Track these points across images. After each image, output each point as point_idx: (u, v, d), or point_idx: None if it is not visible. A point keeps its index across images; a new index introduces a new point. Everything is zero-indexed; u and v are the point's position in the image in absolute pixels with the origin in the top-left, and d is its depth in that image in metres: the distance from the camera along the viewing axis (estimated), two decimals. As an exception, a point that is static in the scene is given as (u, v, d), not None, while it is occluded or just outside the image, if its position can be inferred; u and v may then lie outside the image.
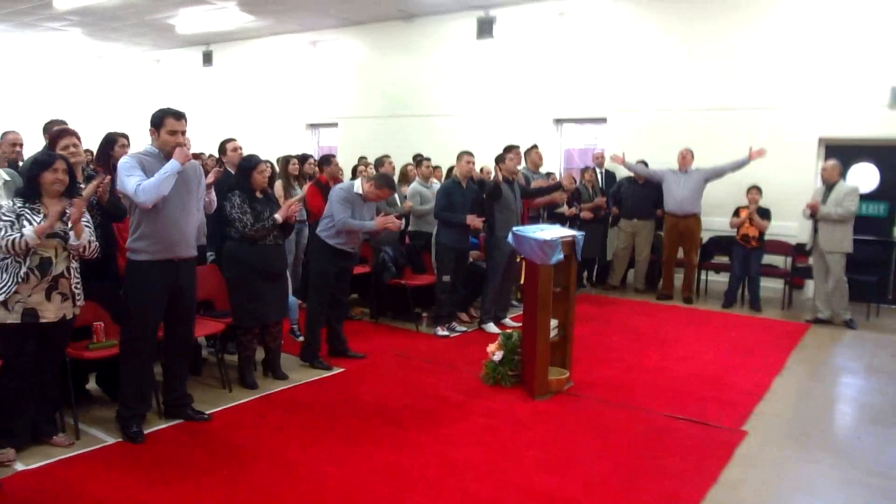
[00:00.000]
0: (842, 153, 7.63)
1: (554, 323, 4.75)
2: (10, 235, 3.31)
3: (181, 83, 14.84)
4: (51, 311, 3.48)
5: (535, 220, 7.24)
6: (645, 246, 8.40)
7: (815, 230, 6.88)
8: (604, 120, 9.64)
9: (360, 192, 5.15)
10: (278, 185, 6.41)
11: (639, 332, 6.53)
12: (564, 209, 7.67)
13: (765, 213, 7.54)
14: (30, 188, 3.51)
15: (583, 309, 6.73)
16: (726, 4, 8.53)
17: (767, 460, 3.76)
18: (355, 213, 5.11)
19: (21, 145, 5.12)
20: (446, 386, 4.86)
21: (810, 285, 7.66)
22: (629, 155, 8.47)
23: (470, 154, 6.37)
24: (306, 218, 6.33)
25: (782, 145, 8.02)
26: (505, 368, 4.83)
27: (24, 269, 3.38)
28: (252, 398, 4.55)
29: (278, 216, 4.63)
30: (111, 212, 4.09)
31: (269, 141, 12.05)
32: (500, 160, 6.43)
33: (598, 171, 8.95)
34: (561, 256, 4.58)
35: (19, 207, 3.44)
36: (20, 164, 4.78)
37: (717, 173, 7.80)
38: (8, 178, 4.07)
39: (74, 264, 3.61)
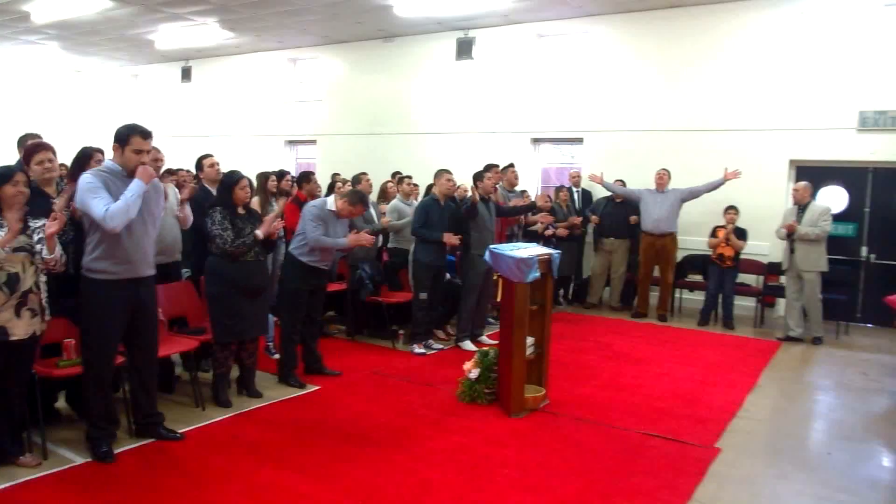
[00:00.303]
0: (812, 175, 7.80)
1: (530, 340, 4.77)
2: None
3: (159, 98, 14.76)
4: (20, 328, 3.42)
5: (510, 238, 7.29)
6: (621, 264, 8.49)
7: (792, 250, 7.00)
8: (580, 140, 9.76)
9: (334, 208, 5.16)
10: (255, 201, 6.37)
11: (614, 350, 6.58)
12: (538, 227, 7.73)
13: (741, 234, 7.68)
14: None
15: (559, 327, 6.76)
16: (700, 29, 8.72)
17: (741, 477, 3.80)
18: (329, 230, 5.11)
19: None
20: (422, 404, 4.85)
21: (782, 303, 7.79)
22: (606, 173, 8.58)
23: (449, 172, 6.41)
24: (283, 234, 6.31)
25: (754, 167, 8.17)
26: (481, 386, 4.84)
27: (-9, 286, 3.32)
28: (226, 416, 4.49)
29: (259, 232, 4.61)
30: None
31: (248, 157, 12.00)
32: (478, 178, 6.48)
33: (573, 190, 9.05)
34: (537, 274, 4.61)
35: None
36: None
37: (694, 194, 7.93)
38: None
39: (42, 278, 3.56)
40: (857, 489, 3.70)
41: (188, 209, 5.07)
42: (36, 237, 3.53)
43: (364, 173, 7.19)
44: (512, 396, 4.61)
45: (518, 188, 8.17)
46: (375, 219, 6.91)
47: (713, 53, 8.66)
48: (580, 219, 8.54)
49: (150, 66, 14.85)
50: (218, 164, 5.68)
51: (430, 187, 7.24)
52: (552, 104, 9.92)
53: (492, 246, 5.06)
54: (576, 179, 9.18)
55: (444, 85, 10.87)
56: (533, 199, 8.08)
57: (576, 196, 9.04)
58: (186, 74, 14.24)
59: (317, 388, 5.15)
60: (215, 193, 5.23)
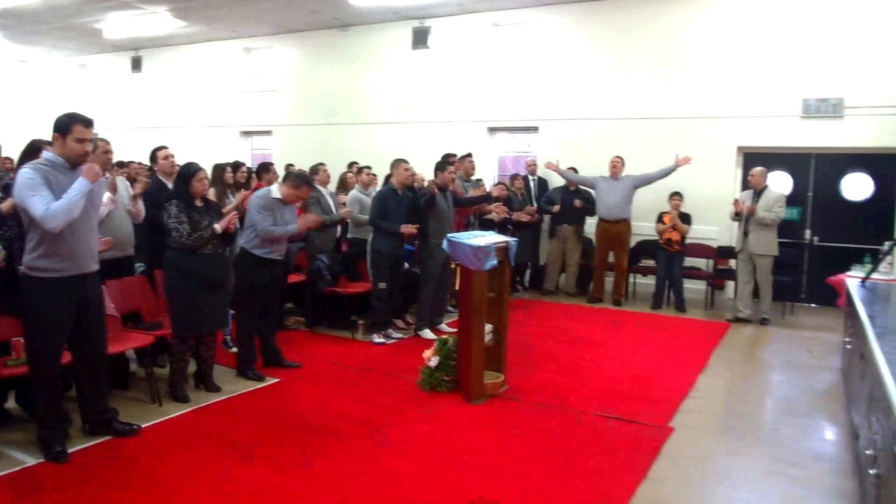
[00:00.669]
0: (758, 161, 8.04)
1: (488, 327, 4.84)
2: None
3: (109, 89, 14.36)
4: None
5: (467, 227, 7.33)
6: (575, 251, 8.63)
7: (745, 234, 7.21)
8: (536, 128, 9.86)
9: (279, 196, 5.12)
10: (211, 192, 6.27)
11: (571, 335, 6.70)
12: (494, 216, 7.78)
13: (686, 219, 7.88)
14: None
15: (517, 313, 6.86)
16: (652, 19, 8.88)
17: (693, 455, 3.93)
18: (277, 218, 5.07)
19: None
20: (383, 393, 4.88)
21: (731, 286, 8.03)
22: (560, 161, 8.70)
23: (406, 162, 6.42)
24: (240, 226, 6.23)
25: (704, 153, 8.39)
26: (441, 374, 4.88)
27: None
28: (183, 412, 4.44)
29: (218, 227, 4.56)
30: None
31: (202, 148, 11.80)
32: (439, 169, 6.49)
33: (530, 178, 9.14)
34: (495, 262, 4.67)
35: None
36: None
37: (646, 180, 8.10)
38: None
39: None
40: (803, 462, 3.87)
41: (140, 203, 4.99)
42: None
43: (322, 164, 7.13)
44: (471, 383, 4.67)
45: (474, 177, 8.22)
46: (333, 209, 6.87)
47: (664, 43, 8.83)
48: (536, 209, 8.63)
49: (98, 56, 14.44)
50: (173, 156, 5.58)
51: (388, 177, 7.23)
52: (508, 93, 9.98)
53: (449, 235, 5.09)
54: (532, 168, 9.27)
55: (400, 74, 10.84)
56: (488, 188, 8.15)
57: (532, 184, 9.13)
58: (137, 64, 13.89)
59: (276, 380, 5.13)
60: (170, 186, 5.14)
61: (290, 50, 11.99)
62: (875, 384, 2.86)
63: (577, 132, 9.41)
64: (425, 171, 7.54)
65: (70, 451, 3.73)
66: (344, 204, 7.10)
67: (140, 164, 9.67)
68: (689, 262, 8.28)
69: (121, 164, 7.24)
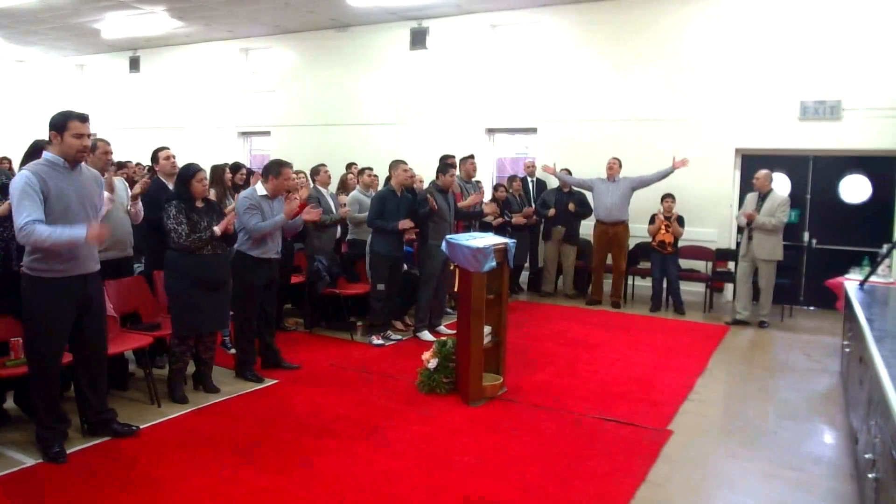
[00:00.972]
0: (756, 163, 8.05)
1: (487, 329, 4.83)
2: None
3: (106, 90, 14.33)
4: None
5: (467, 229, 7.33)
6: (570, 252, 8.63)
7: (749, 238, 7.20)
8: (534, 130, 9.86)
9: (264, 192, 5.11)
10: (211, 194, 6.27)
11: (570, 337, 6.70)
12: (491, 219, 7.79)
13: (679, 221, 7.89)
14: None
15: (515, 315, 6.86)
16: (650, 21, 8.89)
17: (692, 458, 3.93)
18: (266, 214, 5.06)
19: None
20: (381, 395, 4.87)
21: (730, 288, 8.03)
22: (559, 162, 8.72)
23: (405, 163, 6.41)
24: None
25: (702, 155, 8.40)
26: (440, 376, 4.88)
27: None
28: (182, 413, 4.44)
29: (217, 229, 4.55)
30: None
31: (200, 149, 11.78)
32: (441, 171, 6.48)
33: (528, 179, 9.15)
34: (493, 264, 4.67)
35: None
36: None
37: (644, 182, 8.10)
38: None
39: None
40: (801, 465, 3.87)
41: (139, 204, 4.98)
42: None
43: (323, 164, 7.15)
44: (470, 385, 4.66)
45: (474, 179, 8.20)
46: (333, 209, 6.88)
47: (662, 45, 8.84)
48: (533, 209, 8.63)
49: (96, 57, 14.41)
50: (174, 156, 5.57)
51: (387, 179, 7.24)
52: (506, 94, 9.99)
53: (448, 236, 5.09)
54: (530, 169, 9.28)
55: (398, 75, 10.84)
56: (487, 190, 8.15)
57: (530, 186, 9.14)
58: (135, 65, 13.86)
59: (275, 381, 5.12)
60: (171, 187, 5.14)
61: (288, 50, 11.98)
62: (874, 388, 2.87)
63: (576, 133, 9.41)
64: (424, 173, 7.54)
65: (69, 451, 3.73)
66: (344, 205, 7.11)
67: (139, 164, 9.70)
68: (688, 264, 8.28)
69: (120, 165, 7.22)
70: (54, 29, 11.94)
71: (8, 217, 3.86)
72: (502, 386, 4.93)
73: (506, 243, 4.93)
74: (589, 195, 8.52)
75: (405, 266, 6.79)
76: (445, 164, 6.58)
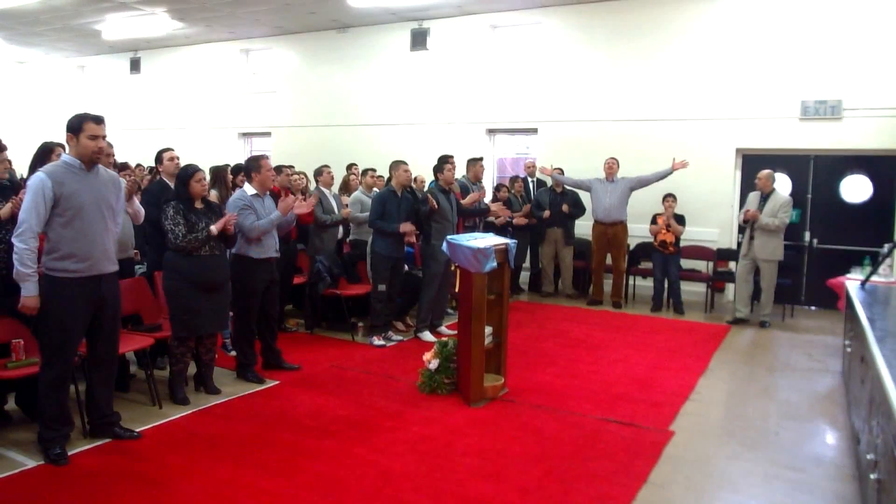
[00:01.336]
0: (757, 163, 8.05)
1: (488, 330, 4.83)
2: None
3: (107, 90, 14.35)
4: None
5: (470, 229, 7.33)
6: (567, 253, 8.63)
7: (751, 238, 7.19)
8: (535, 130, 9.86)
9: (254, 191, 5.10)
10: (213, 194, 6.27)
11: (571, 338, 6.70)
12: (494, 219, 7.79)
13: (680, 220, 7.89)
14: None
15: (516, 316, 6.86)
16: (649, 21, 8.89)
17: (694, 459, 3.92)
18: (259, 213, 5.06)
19: None
20: (382, 395, 4.87)
21: (731, 288, 8.02)
22: (560, 163, 8.73)
23: (405, 163, 6.41)
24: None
25: (702, 155, 8.40)
26: (441, 376, 4.88)
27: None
28: (183, 414, 4.44)
29: (214, 228, 4.55)
30: None
31: (201, 150, 11.78)
32: (438, 170, 6.50)
33: (529, 179, 9.15)
34: (494, 264, 4.66)
35: None
36: None
37: (642, 182, 8.10)
38: None
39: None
40: (803, 466, 3.86)
41: (136, 203, 4.97)
42: None
43: (326, 165, 7.17)
44: (471, 386, 4.66)
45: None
46: (336, 209, 6.89)
47: (662, 45, 8.84)
48: (529, 208, 8.62)
49: (97, 58, 14.43)
50: (178, 157, 5.57)
51: (388, 180, 7.24)
52: (507, 95, 9.99)
53: (449, 237, 5.09)
54: (531, 169, 9.28)
55: (399, 76, 10.84)
56: (488, 191, 8.14)
57: (531, 186, 9.14)
58: (135, 66, 13.88)
59: (276, 382, 5.12)
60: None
61: (289, 51, 11.99)
62: (876, 388, 2.86)
63: (576, 134, 9.41)
64: (425, 173, 7.54)
65: (70, 453, 3.73)
66: (346, 205, 7.12)
67: (139, 165, 9.70)
68: (689, 264, 8.28)
69: (123, 167, 7.22)
70: (55, 30, 11.96)
71: (11, 220, 3.88)
72: (503, 387, 4.93)
73: (506, 244, 4.93)
74: (583, 195, 8.52)
75: (406, 267, 6.79)
76: (441, 162, 6.56)
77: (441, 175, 6.46)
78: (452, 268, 4.98)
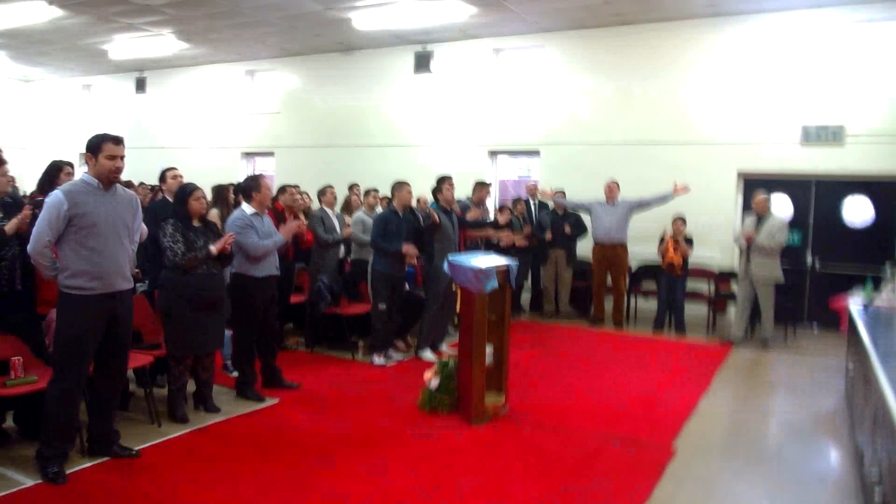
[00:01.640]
0: (759, 186, 8.06)
1: (489, 348, 4.82)
2: None
3: (112, 110, 14.46)
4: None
5: (472, 249, 7.34)
6: (565, 273, 8.63)
7: (748, 260, 7.21)
8: (537, 152, 9.91)
9: (253, 210, 5.12)
10: (214, 213, 6.29)
11: (572, 357, 6.68)
12: (501, 241, 7.78)
13: (688, 242, 7.89)
14: None
15: (517, 335, 6.82)
16: (651, 46, 8.98)
17: (696, 476, 3.89)
18: (260, 232, 5.07)
19: None
20: (383, 414, 4.85)
21: (732, 309, 8.01)
22: (562, 185, 8.78)
23: (408, 185, 6.43)
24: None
25: (704, 179, 8.43)
26: (442, 395, 4.85)
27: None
28: (182, 433, 4.41)
29: (213, 248, 4.56)
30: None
31: (204, 169, 11.82)
32: (437, 191, 6.52)
33: (530, 201, 9.18)
34: (495, 284, 4.67)
35: None
36: None
37: (643, 204, 8.12)
38: None
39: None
40: (806, 484, 3.84)
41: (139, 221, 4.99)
42: None
43: (330, 186, 7.21)
44: (473, 405, 4.64)
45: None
46: (338, 229, 6.91)
47: (663, 69, 8.92)
48: (530, 229, 8.64)
49: (103, 77, 14.55)
50: (181, 176, 5.62)
51: (389, 200, 7.27)
52: (509, 117, 10.06)
53: (450, 256, 5.10)
54: (532, 191, 9.31)
55: (402, 98, 10.93)
56: (491, 212, 8.16)
57: (533, 208, 9.16)
58: (141, 85, 14.00)
59: (276, 401, 5.09)
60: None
61: (293, 73, 12.11)
62: (879, 408, 2.85)
63: (578, 156, 9.46)
64: (427, 194, 7.56)
65: (68, 471, 3.69)
66: (348, 225, 7.14)
67: (142, 184, 9.75)
68: (691, 285, 8.27)
69: (127, 185, 7.25)
70: (63, 50, 12.09)
71: (13, 237, 3.91)
72: (505, 405, 4.90)
73: (508, 264, 4.93)
74: (584, 216, 8.54)
75: (406, 286, 6.79)
76: (439, 182, 6.57)
77: (441, 195, 6.49)
78: (454, 288, 4.97)
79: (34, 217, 3.93)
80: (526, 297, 9.31)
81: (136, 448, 4.05)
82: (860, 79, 7.89)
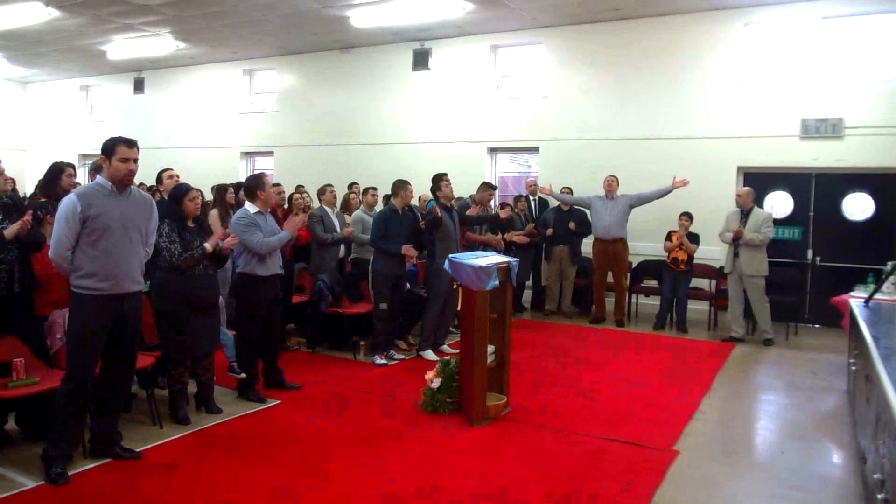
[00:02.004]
0: (758, 181, 8.08)
1: (491, 349, 4.81)
2: None
3: (110, 110, 14.44)
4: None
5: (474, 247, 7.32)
6: (569, 270, 8.62)
7: (736, 254, 7.22)
8: (536, 149, 9.90)
9: (256, 209, 5.11)
10: (214, 213, 6.29)
11: (574, 356, 6.66)
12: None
13: (694, 239, 7.88)
14: None
15: (519, 334, 6.83)
16: (649, 41, 8.96)
17: (698, 478, 3.88)
18: (264, 231, 5.06)
19: None
20: (384, 415, 4.84)
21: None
22: (562, 181, 8.73)
23: (409, 184, 6.43)
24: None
25: (703, 173, 8.42)
26: (443, 395, 4.85)
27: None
28: (184, 434, 4.41)
29: (208, 246, 4.55)
30: (28, 243, 3.97)
31: (203, 169, 11.83)
32: (436, 189, 6.51)
33: (531, 198, 9.17)
34: (496, 282, 4.66)
35: None
36: None
37: (642, 200, 8.11)
38: None
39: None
40: (808, 486, 3.83)
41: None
42: None
43: (329, 185, 7.20)
44: (474, 405, 4.63)
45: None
46: (338, 228, 6.90)
47: (663, 64, 8.90)
48: (533, 226, 8.63)
49: (101, 78, 14.52)
50: (178, 176, 5.62)
51: (388, 198, 7.26)
52: (508, 114, 10.04)
53: (451, 255, 5.09)
54: (532, 188, 9.30)
55: (401, 95, 10.91)
56: (493, 209, 8.14)
57: (533, 205, 9.16)
58: (139, 86, 13.96)
59: (277, 402, 5.09)
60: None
61: (292, 71, 12.08)
62: (882, 407, 2.84)
63: (578, 152, 9.45)
64: (427, 192, 7.55)
65: (70, 473, 3.69)
66: (348, 224, 7.13)
67: (141, 184, 9.74)
68: (692, 282, 8.25)
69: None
70: (60, 51, 12.06)
71: (13, 241, 3.90)
72: (506, 406, 4.90)
73: (508, 262, 4.92)
74: (589, 213, 8.53)
75: (408, 285, 6.78)
76: (437, 180, 6.56)
77: (440, 192, 6.48)
78: (455, 286, 4.96)
79: (35, 221, 3.94)
80: (527, 295, 9.30)
81: (138, 449, 4.05)
82: (859, 71, 7.87)
